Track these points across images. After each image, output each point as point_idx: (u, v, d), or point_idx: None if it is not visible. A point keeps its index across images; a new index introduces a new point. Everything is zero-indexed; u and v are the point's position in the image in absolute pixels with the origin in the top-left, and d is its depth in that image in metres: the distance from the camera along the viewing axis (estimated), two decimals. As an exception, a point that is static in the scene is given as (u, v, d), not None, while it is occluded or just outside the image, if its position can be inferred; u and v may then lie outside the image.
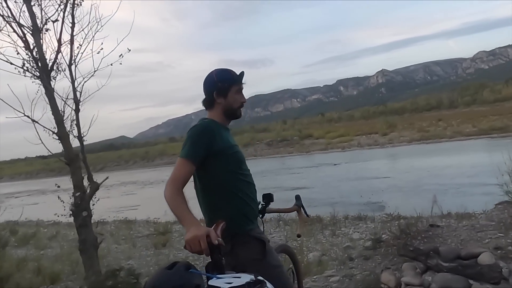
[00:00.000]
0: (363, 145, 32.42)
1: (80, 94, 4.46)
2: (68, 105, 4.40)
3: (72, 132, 4.51)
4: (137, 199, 17.85)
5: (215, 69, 2.02)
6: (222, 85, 1.96)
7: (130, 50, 4.47)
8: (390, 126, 39.67)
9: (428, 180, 12.58)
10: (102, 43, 4.38)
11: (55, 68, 4.27)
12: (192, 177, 1.89)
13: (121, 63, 4.49)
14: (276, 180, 18.17)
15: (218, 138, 1.85)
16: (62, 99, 4.31)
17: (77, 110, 4.49)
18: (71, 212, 4.47)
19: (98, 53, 4.38)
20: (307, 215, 2.57)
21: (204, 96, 2.03)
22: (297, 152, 34.92)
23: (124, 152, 63.91)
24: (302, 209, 2.47)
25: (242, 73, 2.01)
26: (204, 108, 2.05)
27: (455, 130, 31.80)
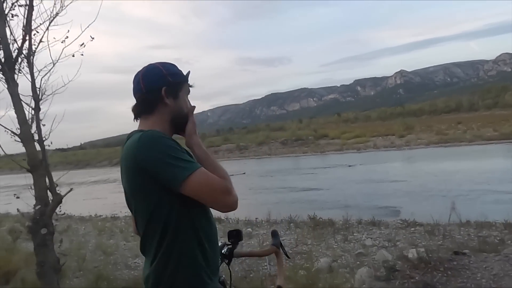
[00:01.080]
0: (379, 146, 31.87)
1: (40, 90, 3.87)
2: (24, 102, 3.82)
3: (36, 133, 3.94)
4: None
5: (156, 62, 1.47)
6: (174, 80, 1.42)
7: (93, 39, 3.87)
8: (407, 128, 38.95)
9: (446, 185, 12.18)
10: (68, 31, 3.81)
11: (19, 60, 3.78)
12: (131, 208, 1.41)
13: (82, 54, 3.93)
14: (288, 181, 17.95)
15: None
16: (20, 96, 3.77)
17: (37, 109, 3.85)
18: (28, 229, 3.91)
19: (62, 42, 3.80)
20: (287, 257, 1.94)
21: (140, 97, 1.43)
22: (312, 152, 34.57)
23: (139, 147, 64.39)
24: (281, 249, 1.80)
25: (188, 73, 1.49)
26: (142, 113, 1.43)
27: (475, 133, 30.95)
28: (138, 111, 1.43)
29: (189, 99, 1.51)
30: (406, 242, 6.17)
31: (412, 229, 6.97)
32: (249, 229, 8.07)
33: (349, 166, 21.31)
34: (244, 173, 23.08)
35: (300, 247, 6.51)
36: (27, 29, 3.77)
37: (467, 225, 6.76)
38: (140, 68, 1.46)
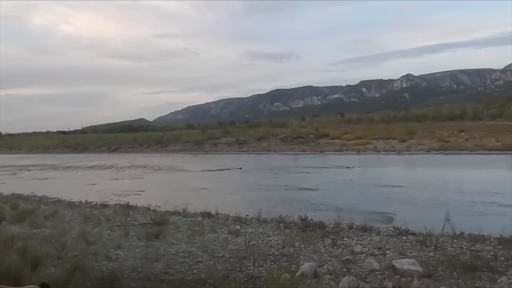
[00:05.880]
0: (380, 150, 31.60)
1: None
2: None
3: None
4: (143, 184, 17.73)
5: None
6: None
7: None
8: (409, 133, 38.60)
9: (442, 195, 11.97)
10: None
11: None
12: None
13: None
14: (283, 179, 17.74)
15: None
16: None
17: None
18: None
19: None
20: None
21: None
22: (311, 150, 34.33)
23: (140, 134, 64.33)
24: None
25: None
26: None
27: (477, 143, 30.62)
28: None
29: None
30: (396, 251, 5.97)
31: (404, 238, 6.78)
32: (238, 227, 7.88)
33: (347, 167, 21.09)
34: (241, 168, 22.90)
35: (287, 249, 6.32)
36: None
37: (460, 237, 6.56)
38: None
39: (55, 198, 13.12)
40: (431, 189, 13.21)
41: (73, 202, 11.94)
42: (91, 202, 11.82)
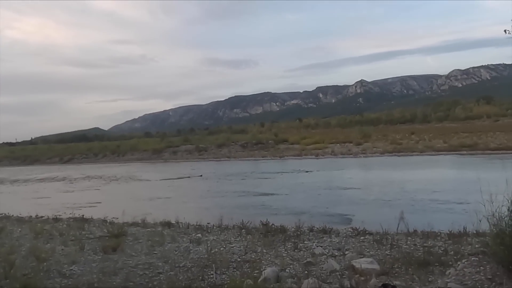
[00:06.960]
0: (337, 153, 32.49)
1: None
2: None
3: None
4: (99, 195, 17.05)
5: None
6: None
7: None
8: (364, 136, 40.07)
9: (397, 194, 12.51)
10: None
11: None
12: None
13: None
14: (244, 185, 17.76)
15: None
16: None
17: None
18: None
19: None
20: None
21: None
22: (271, 156, 34.65)
23: (95, 144, 61.94)
24: None
25: None
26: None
27: (427, 144, 32.35)
28: None
29: None
30: (355, 251, 6.14)
31: (362, 238, 6.99)
32: (199, 235, 7.77)
33: (306, 172, 21.48)
34: (201, 176, 22.66)
35: (249, 255, 6.31)
36: None
37: (414, 234, 6.86)
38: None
39: (2, 214, 12.28)
40: (386, 189, 13.76)
41: (22, 217, 11.25)
42: (42, 217, 11.20)
